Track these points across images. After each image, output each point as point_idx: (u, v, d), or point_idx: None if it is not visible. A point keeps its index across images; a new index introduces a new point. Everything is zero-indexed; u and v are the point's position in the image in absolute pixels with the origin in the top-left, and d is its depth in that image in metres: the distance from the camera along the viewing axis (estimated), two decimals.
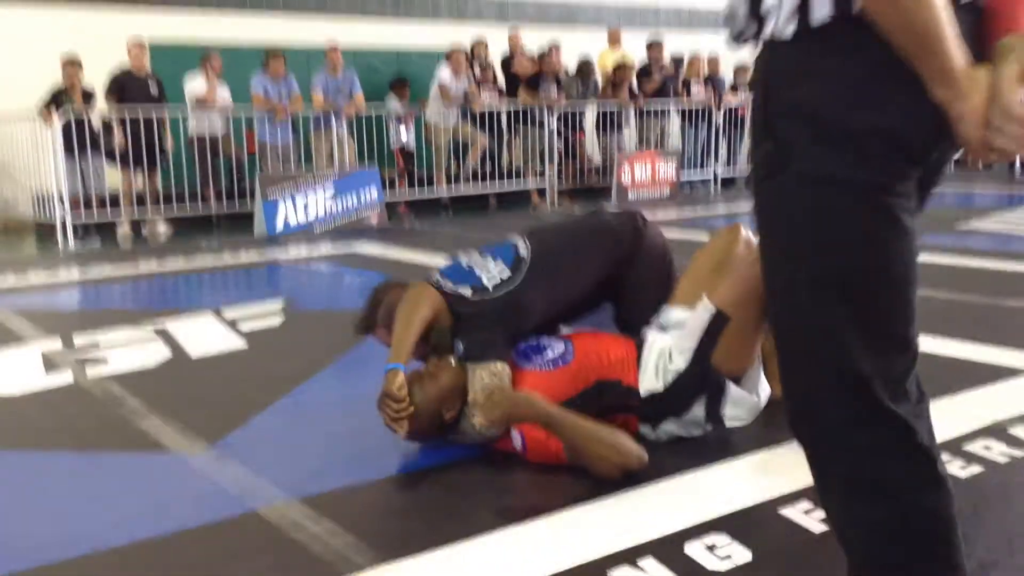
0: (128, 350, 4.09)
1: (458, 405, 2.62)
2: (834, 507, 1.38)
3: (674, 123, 11.62)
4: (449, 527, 2.20)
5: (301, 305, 5.15)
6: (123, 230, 8.46)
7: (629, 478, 2.40)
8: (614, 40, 11.91)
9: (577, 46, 11.66)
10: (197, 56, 9.15)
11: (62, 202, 8.03)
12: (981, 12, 1.19)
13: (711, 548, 2.05)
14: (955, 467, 2.43)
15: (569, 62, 11.25)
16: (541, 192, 10.51)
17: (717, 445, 2.68)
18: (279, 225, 8.31)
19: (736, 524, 2.17)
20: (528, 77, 10.53)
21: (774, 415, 2.87)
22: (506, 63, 11.08)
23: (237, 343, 4.20)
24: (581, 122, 11.02)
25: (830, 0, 1.17)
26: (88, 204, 8.30)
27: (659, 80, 11.18)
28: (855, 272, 1.23)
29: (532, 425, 2.51)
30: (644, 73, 11.30)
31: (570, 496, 2.35)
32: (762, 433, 2.73)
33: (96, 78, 8.57)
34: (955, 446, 2.58)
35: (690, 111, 11.40)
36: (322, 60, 9.57)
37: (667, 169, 10.95)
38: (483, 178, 10.31)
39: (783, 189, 1.25)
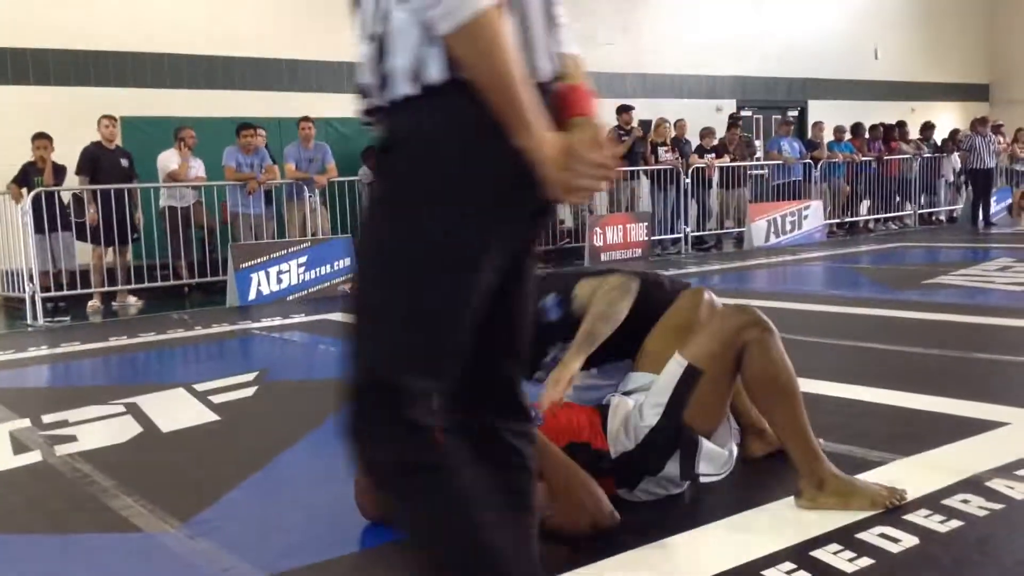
0: (97, 426, 4.03)
1: None
2: None
3: (644, 186, 11.80)
4: None
5: (275, 375, 5.10)
6: (93, 304, 8.39)
7: (608, 544, 2.38)
8: None
9: None
10: (168, 128, 9.20)
11: (31, 279, 7.97)
12: (553, 95, 1.45)
13: None
14: (934, 522, 2.43)
15: None
16: None
17: (694, 506, 2.67)
18: (252, 294, 8.28)
19: None
20: None
21: (747, 473, 2.88)
22: None
23: (210, 416, 4.15)
24: None
25: (441, 64, 1.35)
26: (58, 279, 8.24)
27: (629, 144, 11.38)
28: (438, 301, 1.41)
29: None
30: (614, 137, 11.49)
31: (552, 567, 2.32)
32: (737, 492, 2.72)
33: (67, 154, 8.57)
34: (934, 500, 2.58)
35: (658, 173, 11.58)
36: (294, 130, 9.66)
37: (638, 231, 11.08)
38: None
39: (386, 225, 1.43)
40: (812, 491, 2.55)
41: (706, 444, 2.64)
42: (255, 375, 5.02)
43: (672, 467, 2.63)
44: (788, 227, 12.21)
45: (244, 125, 9.21)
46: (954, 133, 15.12)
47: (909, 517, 2.48)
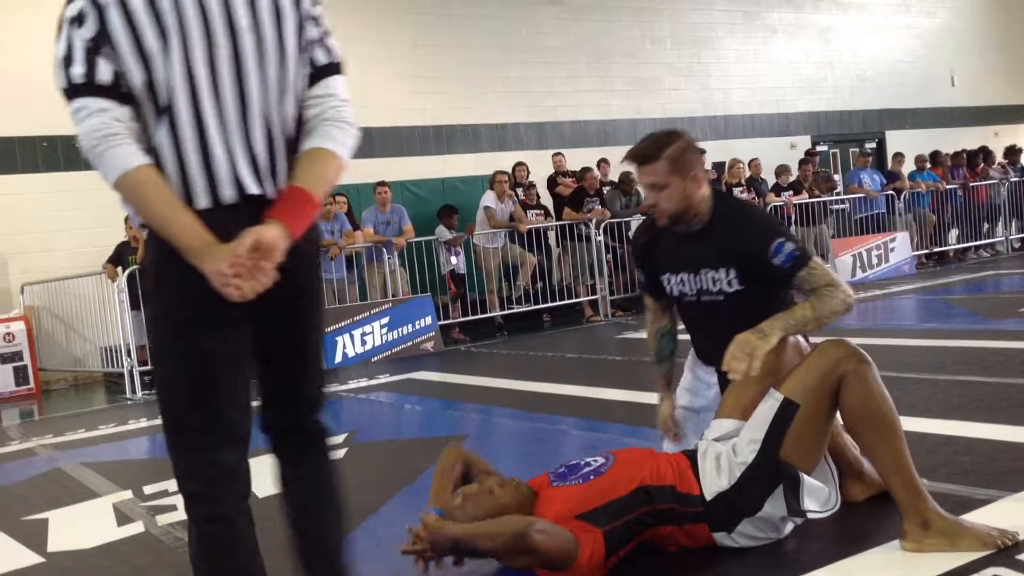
0: None
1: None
2: None
3: None
4: None
5: (364, 436, 5.17)
6: None
7: None
8: None
9: (616, 162, 11.86)
10: None
11: (129, 355, 8.26)
12: (264, 207, 1.86)
13: None
14: None
15: (611, 177, 11.46)
16: (593, 304, 10.55)
17: (797, 554, 2.58)
18: (338, 357, 8.43)
19: None
20: (570, 195, 10.73)
21: (849, 517, 2.78)
22: (550, 184, 11.32)
23: None
24: (627, 233, 11.13)
25: None
26: None
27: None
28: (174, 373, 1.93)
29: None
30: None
31: None
32: (840, 537, 2.63)
33: None
34: None
35: None
36: (370, 195, 9.89)
37: None
38: (535, 296, 10.40)
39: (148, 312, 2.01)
40: (918, 532, 2.45)
41: (807, 479, 2.54)
42: (344, 436, 5.10)
43: (771, 506, 2.54)
44: (875, 261, 11.92)
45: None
46: None
47: (1023, 557, 2.36)
